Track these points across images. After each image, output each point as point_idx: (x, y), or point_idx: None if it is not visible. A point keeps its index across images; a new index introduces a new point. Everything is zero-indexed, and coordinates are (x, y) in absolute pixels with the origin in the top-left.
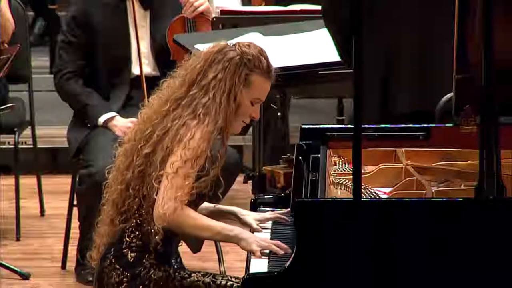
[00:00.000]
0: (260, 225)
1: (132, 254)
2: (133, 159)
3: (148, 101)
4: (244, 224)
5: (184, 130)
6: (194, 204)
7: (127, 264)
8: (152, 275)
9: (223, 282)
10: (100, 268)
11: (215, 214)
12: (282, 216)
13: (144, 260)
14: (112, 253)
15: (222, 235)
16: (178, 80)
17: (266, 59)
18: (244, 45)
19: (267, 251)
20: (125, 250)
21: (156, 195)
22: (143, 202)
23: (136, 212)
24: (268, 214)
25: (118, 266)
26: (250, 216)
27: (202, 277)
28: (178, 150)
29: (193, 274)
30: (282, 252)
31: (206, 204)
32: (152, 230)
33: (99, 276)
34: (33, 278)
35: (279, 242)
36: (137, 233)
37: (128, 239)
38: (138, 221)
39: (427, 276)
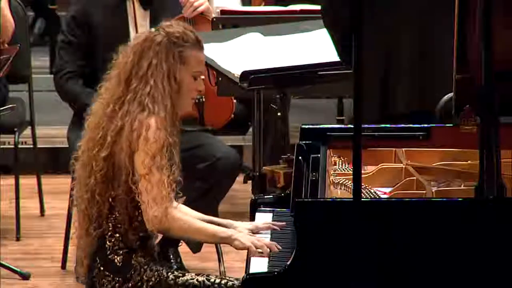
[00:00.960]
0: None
1: (119, 258)
2: (92, 166)
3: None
4: None
5: (137, 124)
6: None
7: (116, 269)
8: (144, 276)
9: (217, 280)
10: (90, 278)
11: None
12: (274, 226)
13: (132, 261)
14: (98, 261)
15: (215, 237)
16: (114, 80)
17: (192, 32)
18: (167, 25)
19: (267, 250)
20: (110, 256)
21: (139, 198)
22: (113, 204)
23: (108, 216)
24: (261, 224)
25: (107, 273)
26: (241, 227)
27: (196, 276)
28: (141, 147)
29: (187, 274)
30: (274, 250)
31: (199, 215)
32: (129, 230)
33: (91, 286)
34: (33, 278)
35: (271, 242)
36: (116, 235)
37: (110, 244)
38: (113, 224)
39: (428, 276)
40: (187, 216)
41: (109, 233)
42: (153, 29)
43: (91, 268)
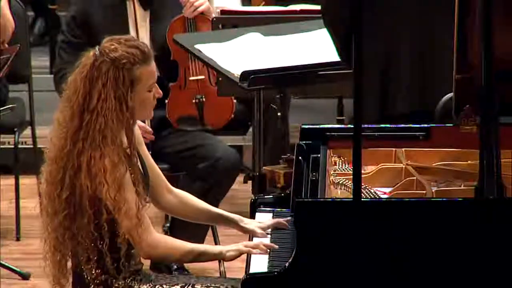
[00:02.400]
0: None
1: None
2: (56, 207)
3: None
4: (246, 232)
5: (93, 164)
6: None
7: None
8: None
9: None
10: None
11: (215, 218)
12: (282, 221)
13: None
14: None
15: (206, 255)
16: (68, 113)
17: (136, 46)
18: (110, 50)
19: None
20: (91, 286)
21: (121, 234)
22: (83, 236)
23: (77, 252)
24: (270, 221)
25: None
26: (252, 224)
27: None
28: (103, 189)
29: None
30: (265, 249)
31: (207, 206)
32: (100, 260)
33: None
34: (33, 278)
35: (263, 241)
36: (92, 262)
37: (87, 273)
38: (85, 253)
39: (428, 276)
40: (172, 240)
41: (84, 260)
42: (97, 52)
43: None
